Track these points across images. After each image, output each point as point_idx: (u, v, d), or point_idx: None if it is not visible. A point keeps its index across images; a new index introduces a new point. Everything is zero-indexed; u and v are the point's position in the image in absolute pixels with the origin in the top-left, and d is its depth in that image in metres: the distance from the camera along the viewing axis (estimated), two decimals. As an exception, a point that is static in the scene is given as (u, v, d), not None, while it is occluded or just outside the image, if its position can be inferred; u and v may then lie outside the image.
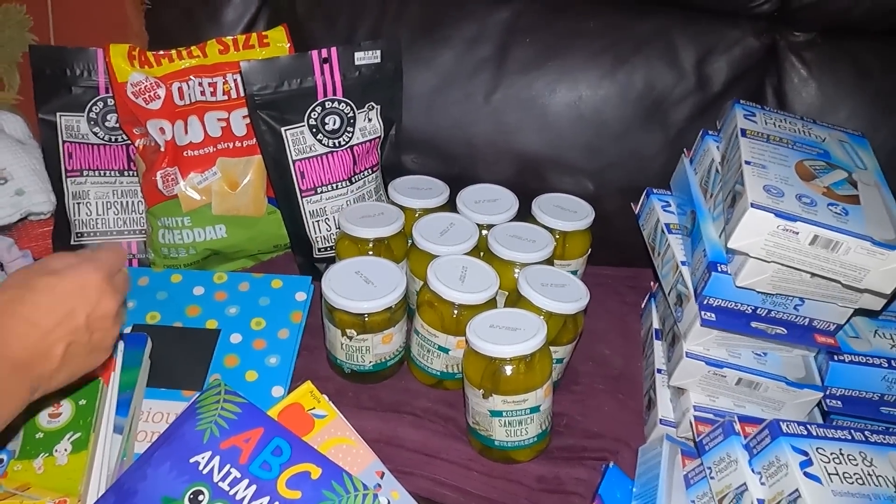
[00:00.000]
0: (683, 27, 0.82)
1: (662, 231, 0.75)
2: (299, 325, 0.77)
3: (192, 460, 0.57)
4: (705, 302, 0.63)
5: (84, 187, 0.85)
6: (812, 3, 0.79)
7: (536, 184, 0.86)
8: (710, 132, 0.75)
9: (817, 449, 0.52)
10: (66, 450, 0.58)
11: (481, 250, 0.79)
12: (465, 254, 0.75)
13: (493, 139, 0.86)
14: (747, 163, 0.61)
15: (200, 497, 0.55)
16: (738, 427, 0.56)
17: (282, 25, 0.85)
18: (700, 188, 0.72)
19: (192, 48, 0.81)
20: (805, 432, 0.53)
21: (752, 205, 0.56)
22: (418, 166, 0.89)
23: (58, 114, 0.84)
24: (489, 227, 0.80)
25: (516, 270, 0.74)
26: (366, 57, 0.80)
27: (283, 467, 0.56)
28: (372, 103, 0.83)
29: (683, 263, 0.69)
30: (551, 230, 0.80)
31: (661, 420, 0.69)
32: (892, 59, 0.80)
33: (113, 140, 0.85)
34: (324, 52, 0.79)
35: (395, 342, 0.73)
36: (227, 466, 0.56)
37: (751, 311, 0.62)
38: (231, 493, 0.55)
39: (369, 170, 0.86)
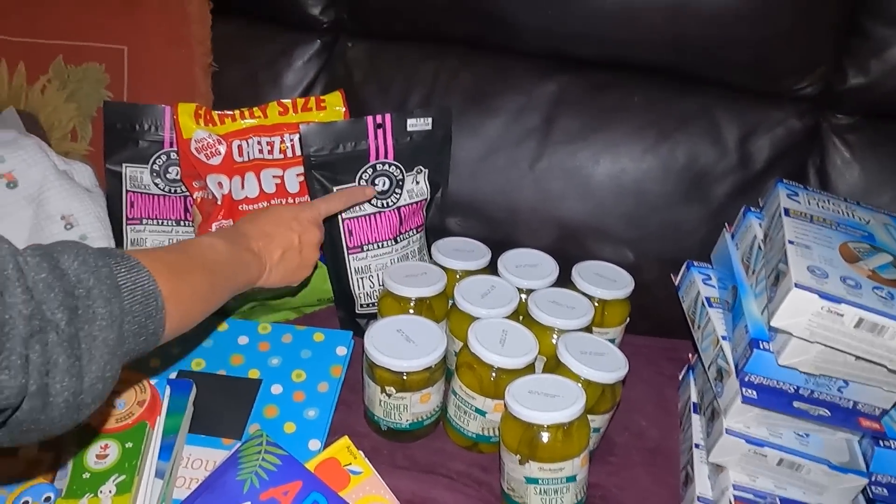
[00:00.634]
0: (726, 106, 0.84)
1: (703, 304, 0.75)
2: (339, 379, 0.79)
3: (231, 510, 0.58)
4: (746, 379, 0.62)
5: (142, 235, 0.89)
6: (857, 88, 0.81)
7: (577, 251, 0.88)
8: (752, 209, 0.76)
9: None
10: (110, 491, 0.60)
11: (521, 314, 0.80)
12: (506, 317, 0.77)
13: (536, 206, 0.88)
14: (791, 242, 0.62)
15: (238, 547, 0.56)
16: (780, 510, 0.56)
17: (339, 91, 0.89)
18: (742, 264, 0.73)
19: (255, 109, 0.86)
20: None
21: (797, 285, 0.56)
22: (462, 229, 0.92)
23: (124, 165, 0.88)
24: (529, 291, 0.81)
25: (555, 336, 0.75)
26: (418, 124, 0.84)
27: (320, 522, 0.57)
28: (420, 167, 0.86)
29: (724, 338, 0.69)
30: (590, 297, 0.81)
31: (699, 497, 0.67)
32: (936, 144, 0.81)
33: (172, 191, 0.90)
34: (378, 118, 0.83)
35: (433, 402, 0.74)
36: (266, 518, 0.57)
37: (793, 390, 0.62)
38: (268, 545, 0.56)
39: (414, 230, 0.88)
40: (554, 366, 0.72)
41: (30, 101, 0.93)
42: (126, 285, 0.46)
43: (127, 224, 0.89)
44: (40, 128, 0.92)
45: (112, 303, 0.44)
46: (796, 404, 0.62)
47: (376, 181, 0.84)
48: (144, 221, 0.89)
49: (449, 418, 0.75)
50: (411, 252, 0.88)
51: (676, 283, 0.83)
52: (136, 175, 0.89)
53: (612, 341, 0.84)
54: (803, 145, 0.84)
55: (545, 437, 0.63)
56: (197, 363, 0.80)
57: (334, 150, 0.82)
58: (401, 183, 0.85)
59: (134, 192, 0.89)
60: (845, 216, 0.69)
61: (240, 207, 0.84)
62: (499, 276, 0.84)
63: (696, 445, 0.72)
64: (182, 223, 0.90)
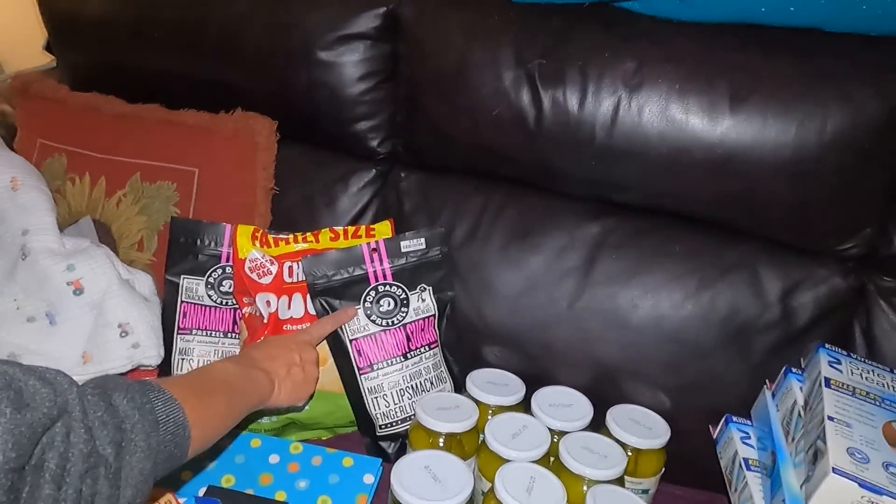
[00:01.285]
0: (769, 259, 0.84)
1: (741, 466, 0.73)
2: (363, 509, 0.78)
3: None
4: (783, 560, 0.59)
5: (191, 345, 0.93)
6: (902, 254, 0.80)
7: (613, 393, 0.87)
8: (794, 370, 0.75)
9: None
10: None
11: (552, 454, 0.79)
12: (536, 461, 0.75)
13: (573, 345, 0.88)
14: (830, 419, 0.60)
15: None
16: None
17: (388, 220, 0.94)
18: (781, 428, 0.71)
19: (308, 234, 0.91)
20: None
21: (834, 470, 0.54)
22: (499, 360, 0.92)
23: (182, 276, 0.94)
24: (561, 433, 0.80)
25: (585, 486, 0.73)
26: (411, 245, 0.89)
27: None
28: (423, 285, 0.90)
29: (761, 508, 0.67)
30: (624, 445, 0.79)
31: None
32: None
33: (223, 303, 0.94)
34: (372, 244, 0.88)
35: (456, 545, 0.72)
36: None
37: (834, 578, 0.59)
38: None
39: (426, 347, 0.90)
40: (581, 520, 0.70)
41: (105, 211, 1.00)
42: (162, 418, 0.53)
43: (178, 333, 0.93)
44: (111, 236, 0.99)
45: (151, 437, 0.51)
46: None
47: (381, 302, 0.87)
48: (194, 332, 0.93)
49: (471, 564, 0.73)
50: (424, 368, 0.89)
51: (714, 437, 0.81)
52: (192, 286, 0.94)
53: (645, 492, 0.82)
54: (848, 305, 0.82)
55: None
56: (227, 479, 0.81)
57: (334, 277, 0.86)
58: (405, 302, 0.88)
59: (188, 302, 0.93)
60: (891, 390, 0.67)
61: (284, 327, 0.87)
62: (532, 413, 0.83)
63: None
64: (229, 335, 0.94)
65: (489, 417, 0.83)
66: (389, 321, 0.88)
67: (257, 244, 0.89)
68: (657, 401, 0.86)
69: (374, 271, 0.88)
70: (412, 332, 0.89)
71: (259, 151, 0.95)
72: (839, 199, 0.80)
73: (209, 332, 0.94)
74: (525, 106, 0.86)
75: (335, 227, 0.92)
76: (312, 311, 0.89)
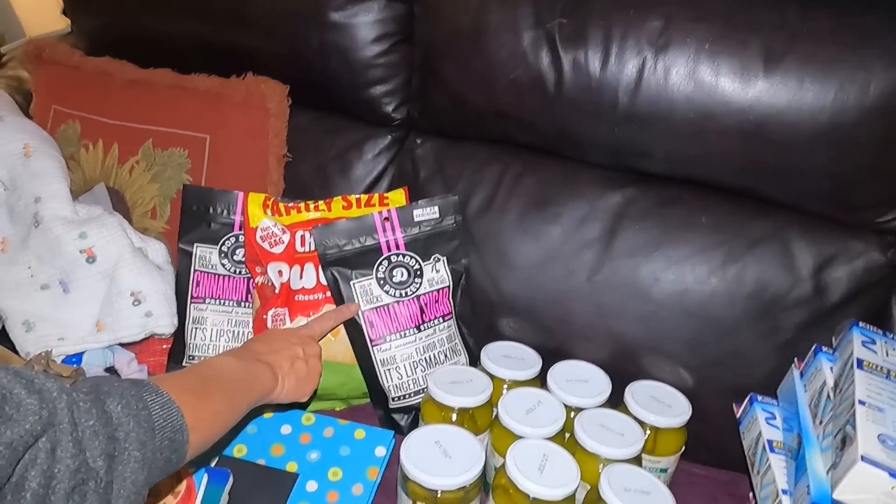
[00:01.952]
0: (801, 232, 0.80)
1: (764, 448, 0.70)
2: (374, 482, 0.77)
3: None
4: (805, 548, 0.57)
5: (204, 314, 0.92)
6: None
7: (632, 369, 0.84)
8: (824, 349, 0.71)
9: None
10: (133, 587, 0.60)
11: (567, 431, 0.76)
12: (550, 437, 0.73)
13: (592, 318, 0.86)
14: (861, 403, 0.57)
15: None
16: None
17: (402, 188, 0.91)
18: (809, 410, 0.68)
19: (319, 203, 0.89)
20: None
21: (863, 458, 0.51)
22: (515, 333, 0.90)
23: (195, 245, 0.93)
24: (578, 409, 0.78)
25: (601, 465, 0.71)
26: (424, 213, 0.86)
27: None
28: (437, 255, 0.87)
29: (785, 492, 0.64)
30: (642, 423, 0.77)
31: None
32: None
33: (237, 272, 0.93)
34: (384, 213, 0.85)
35: (466, 522, 0.71)
36: None
37: (858, 568, 0.56)
38: None
39: (440, 318, 0.88)
40: (595, 499, 0.68)
41: (118, 179, 0.99)
42: (159, 423, 0.50)
43: (191, 302, 0.92)
44: (125, 204, 0.98)
45: (146, 445, 0.48)
46: (862, 584, 0.56)
47: (394, 273, 0.85)
48: (207, 301, 0.92)
49: (482, 541, 0.72)
50: (438, 341, 0.87)
51: (738, 416, 0.78)
52: (206, 255, 0.93)
53: (664, 471, 0.79)
54: (886, 282, 0.78)
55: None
56: (238, 449, 0.80)
57: (346, 247, 0.84)
58: (419, 272, 0.86)
59: (201, 271, 0.93)
60: (928, 373, 0.63)
61: (296, 297, 0.86)
62: (548, 389, 0.81)
63: None
64: (242, 304, 0.93)
65: (503, 392, 0.81)
66: (402, 292, 0.86)
67: (268, 212, 0.87)
68: (678, 378, 0.83)
69: (387, 241, 0.86)
70: (426, 304, 0.87)
71: (271, 118, 0.93)
72: (880, 168, 0.75)
73: (222, 302, 0.93)
74: (544, 68, 0.82)
75: (348, 196, 0.90)
76: (324, 282, 0.87)
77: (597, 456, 0.72)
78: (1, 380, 0.41)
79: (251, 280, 0.92)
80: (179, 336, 0.92)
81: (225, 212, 0.92)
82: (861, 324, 0.68)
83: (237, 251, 0.93)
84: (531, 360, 0.85)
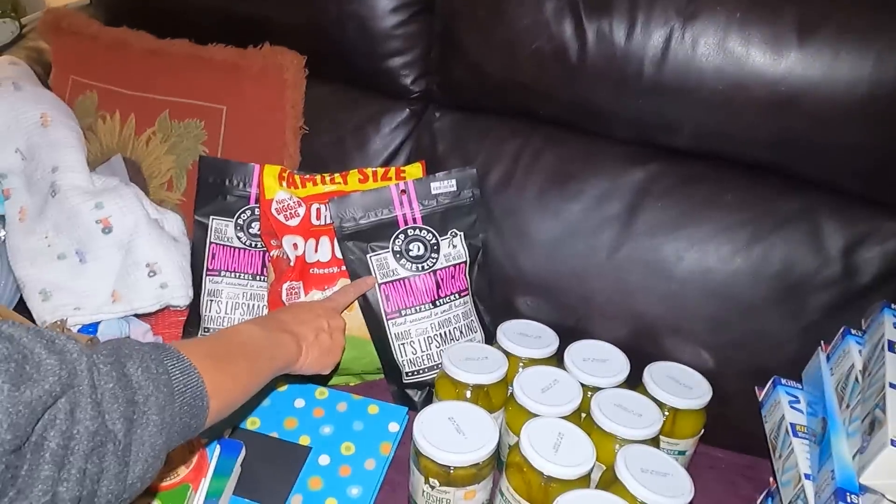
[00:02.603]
0: (831, 210, 0.77)
1: (787, 432, 0.68)
2: (387, 458, 0.77)
3: None
4: (828, 534, 0.55)
5: (219, 286, 0.92)
6: None
7: (651, 349, 0.82)
8: (853, 331, 0.68)
9: None
10: (145, 553, 0.60)
11: (583, 411, 0.75)
12: (565, 417, 0.72)
13: (611, 297, 0.84)
14: (893, 386, 0.54)
15: None
16: None
17: (419, 162, 0.89)
18: (835, 394, 0.65)
19: (336, 175, 0.87)
20: None
21: (893, 442, 0.49)
22: (532, 310, 0.88)
23: (211, 217, 0.92)
24: (595, 389, 0.76)
25: (617, 446, 0.70)
26: (442, 186, 0.85)
27: None
28: (455, 230, 0.86)
29: (807, 477, 0.62)
30: (661, 404, 0.75)
31: None
32: None
33: (252, 245, 0.92)
34: (401, 185, 0.84)
35: (478, 499, 0.70)
36: None
37: (883, 556, 0.54)
38: None
39: (456, 294, 0.86)
40: (610, 479, 0.66)
41: (135, 149, 0.99)
42: (178, 388, 0.49)
43: (207, 274, 0.92)
44: (142, 175, 0.98)
45: (165, 410, 0.48)
46: (886, 573, 0.54)
47: (410, 246, 0.84)
48: (223, 273, 0.92)
49: (494, 519, 0.71)
50: (454, 316, 0.86)
51: (760, 400, 0.76)
52: (221, 228, 0.92)
53: (682, 453, 0.78)
54: (920, 264, 0.75)
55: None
56: (252, 422, 0.80)
57: (362, 220, 0.83)
58: (436, 247, 0.85)
59: (217, 243, 0.92)
60: (964, 357, 0.60)
61: (311, 271, 0.85)
62: (564, 368, 0.79)
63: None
64: (258, 278, 0.92)
65: (519, 370, 0.80)
66: (419, 266, 0.84)
67: (284, 185, 0.87)
68: (699, 359, 0.81)
69: (404, 214, 0.85)
70: (442, 279, 0.85)
71: (287, 89, 0.92)
72: (919, 144, 0.71)
73: (238, 275, 0.92)
74: (567, 38, 0.80)
75: (364, 169, 0.88)
76: (340, 255, 0.86)
77: (613, 436, 0.71)
78: (22, 338, 0.40)
79: (266, 253, 0.91)
80: (195, 308, 0.92)
81: (241, 184, 0.92)
82: (893, 305, 0.65)
83: (253, 224, 0.92)
84: (548, 339, 0.84)
